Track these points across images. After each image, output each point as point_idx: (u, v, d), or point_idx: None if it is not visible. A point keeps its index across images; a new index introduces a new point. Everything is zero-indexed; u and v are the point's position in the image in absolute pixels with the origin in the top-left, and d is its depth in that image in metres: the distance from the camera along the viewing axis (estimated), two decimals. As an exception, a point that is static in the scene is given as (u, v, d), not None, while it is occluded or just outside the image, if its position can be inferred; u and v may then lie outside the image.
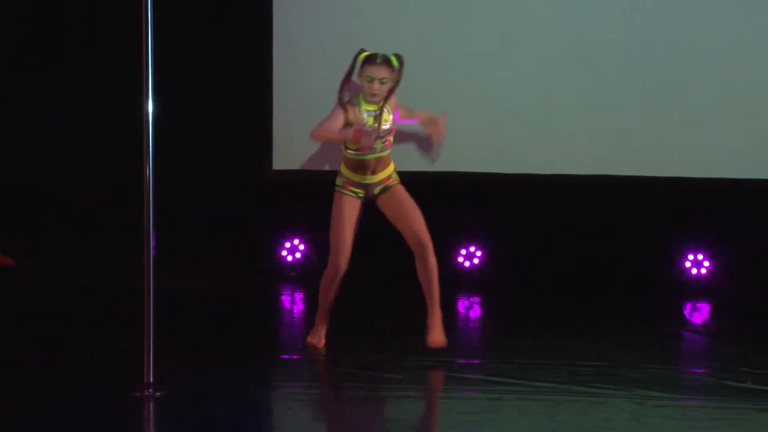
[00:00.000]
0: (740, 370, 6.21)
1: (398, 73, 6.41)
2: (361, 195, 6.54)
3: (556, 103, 8.19)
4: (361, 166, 6.49)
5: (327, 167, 8.02)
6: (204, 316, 7.49)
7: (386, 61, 6.37)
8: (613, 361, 6.37)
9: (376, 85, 6.34)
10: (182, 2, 8.45)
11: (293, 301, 8.22)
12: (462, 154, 8.15)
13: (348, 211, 6.51)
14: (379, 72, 6.33)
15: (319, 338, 6.67)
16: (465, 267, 8.60)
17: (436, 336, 6.56)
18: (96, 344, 6.63)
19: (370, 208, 6.59)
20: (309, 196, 8.55)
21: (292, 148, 8.23)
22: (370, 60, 6.36)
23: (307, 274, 8.61)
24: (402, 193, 6.57)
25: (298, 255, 8.76)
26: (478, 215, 8.54)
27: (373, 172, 6.51)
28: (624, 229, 8.46)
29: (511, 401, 5.67)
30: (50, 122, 8.96)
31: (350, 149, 6.45)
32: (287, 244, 8.76)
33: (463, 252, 8.61)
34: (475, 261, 8.61)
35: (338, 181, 6.57)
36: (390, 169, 6.57)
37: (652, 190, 8.35)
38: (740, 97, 8.11)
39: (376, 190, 6.55)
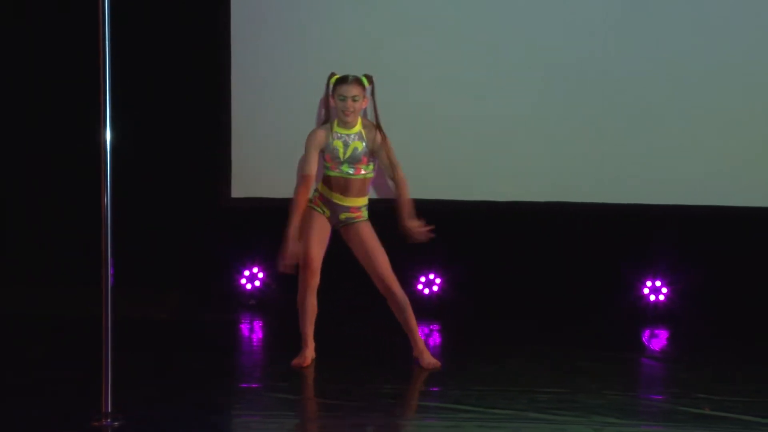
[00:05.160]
0: (697, 396, 6.24)
1: (370, 92, 6.74)
2: (327, 214, 6.79)
3: (515, 130, 8.22)
4: (334, 183, 6.77)
5: (286, 195, 8.02)
6: (162, 344, 7.45)
7: (357, 80, 6.69)
8: (571, 387, 6.39)
9: (349, 103, 6.64)
10: (140, 30, 8.42)
11: (252, 330, 8.19)
12: (421, 182, 8.16)
13: (314, 224, 6.78)
14: (351, 90, 6.65)
15: (304, 358, 6.85)
16: (424, 294, 8.59)
17: (429, 359, 6.87)
18: (53, 373, 6.57)
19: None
20: (268, 224, 8.51)
21: (250, 176, 8.24)
22: (342, 80, 6.68)
23: (267, 302, 8.60)
24: (367, 232, 6.82)
25: (257, 283, 8.73)
26: (437, 243, 8.53)
27: (343, 193, 6.75)
28: (582, 256, 8.49)
29: (470, 429, 5.67)
30: (6, 147, 8.91)
31: (324, 164, 6.78)
32: (246, 272, 8.73)
33: (423, 279, 8.61)
34: (435, 288, 8.61)
35: (312, 195, 6.83)
36: (360, 201, 6.82)
37: (611, 216, 8.39)
38: (698, 125, 8.17)
39: (342, 216, 6.79)
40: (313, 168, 6.70)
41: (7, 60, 8.82)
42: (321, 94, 6.95)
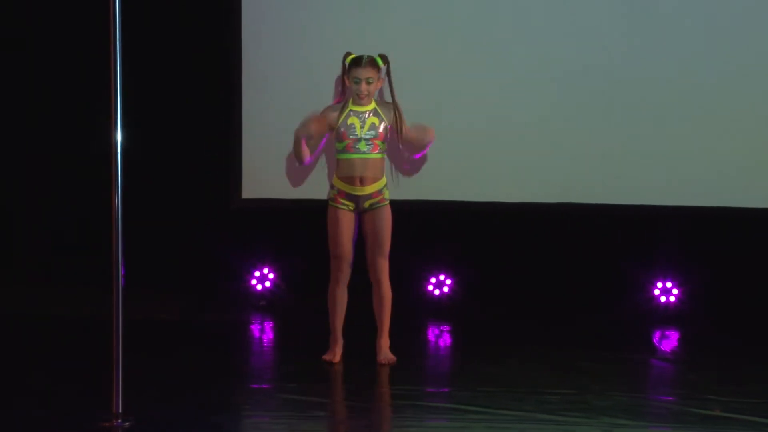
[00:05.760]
0: (707, 397, 6.23)
1: (386, 73, 6.79)
2: (351, 208, 6.78)
3: (524, 131, 8.21)
4: (349, 171, 6.73)
5: (296, 196, 8.04)
6: (173, 345, 7.46)
7: (371, 62, 6.72)
8: (580, 388, 6.38)
9: (363, 86, 6.70)
10: (150, 32, 8.44)
11: (263, 330, 8.20)
12: (431, 183, 8.17)
13: (342, 219, 6.78)
14: (365, 72, 6.69)
15: (334, 355, 6.89)
16: (435, 295, 8.60)
17: (385, 355, 6.87)
18: (63, 374, 6.59)
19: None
20: (278, 225, 8.57)
21: (261, 177, 8.24)
22: (356, 62, 6.71)
23: (277, 303, 8.61)
24: (385, 217, 6.79)
25: (267, 284, 8.74)
26: (447, 244, 8.55)
27: (362, 182, 6.73)
28: (593, 257, 8.48)
29: (479, 430, 5.67)
30: (7, 147, 8.95)
31: (337, 147, 6.76)
32: (256, 273, 8.74)
33: (433, 280, 8.61)
34: (445, 289, 8.62)
35: (330, 194, 6.83)
36: (380, 184, 6.79)
37: (621, 217, 8.38)
38: (706, 125, 8.16)
39: (366, 204, 6.77)
40: (311, 127, 6.70)
41: (7, 60, 8.85)
42: (332, 95, 6.98)
